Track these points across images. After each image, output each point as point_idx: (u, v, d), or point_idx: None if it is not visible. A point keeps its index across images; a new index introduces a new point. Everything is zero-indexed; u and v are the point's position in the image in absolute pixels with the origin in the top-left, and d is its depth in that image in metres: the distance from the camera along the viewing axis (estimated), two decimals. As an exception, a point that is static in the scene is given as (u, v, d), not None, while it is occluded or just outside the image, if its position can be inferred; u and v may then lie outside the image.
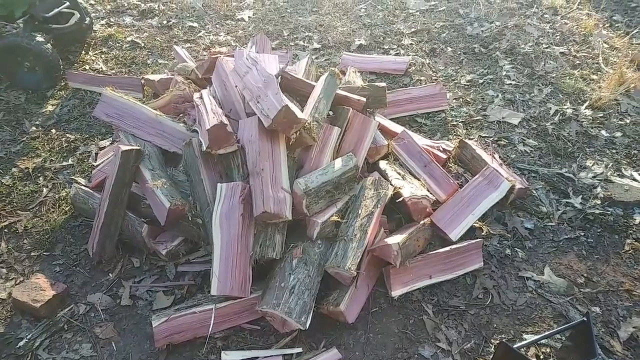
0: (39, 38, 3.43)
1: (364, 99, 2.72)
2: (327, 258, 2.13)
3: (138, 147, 2.39)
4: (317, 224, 2.17)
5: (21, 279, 2.33)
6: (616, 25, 4.33)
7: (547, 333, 1.74)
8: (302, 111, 2.41)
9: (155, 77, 3.23)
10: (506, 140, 3.05)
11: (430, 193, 2.50)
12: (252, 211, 2.10)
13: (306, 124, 2.27)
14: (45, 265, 2.40)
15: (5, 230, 2.55)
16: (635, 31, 4.11)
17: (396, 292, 2.16)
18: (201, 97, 2.49)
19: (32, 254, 2.45)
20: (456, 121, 3.23)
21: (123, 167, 2.32)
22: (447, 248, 2.29)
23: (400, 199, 2.36)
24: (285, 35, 4.29)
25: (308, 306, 1.98)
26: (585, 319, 1.75)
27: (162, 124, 2.57)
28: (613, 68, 3.66)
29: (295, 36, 4.28)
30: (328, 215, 2.21)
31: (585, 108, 3.30)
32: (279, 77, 2.53)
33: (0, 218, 2.61)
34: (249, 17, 4.62)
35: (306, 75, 2.98)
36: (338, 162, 2.35)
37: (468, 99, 3.43)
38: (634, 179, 2.77)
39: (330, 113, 2.65)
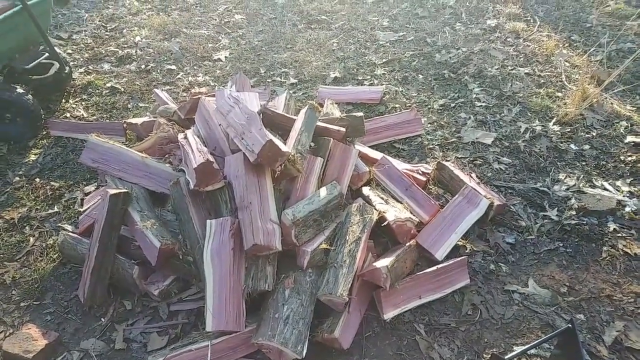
0: (20, 89, 3.48)
1: (344, 129, 2.83)
2: (319, 286, 2.17)
3: (126, 190, 2.43)
4: (307, 253, 2.22)
5: (11, 330, 2.30)
6: (575, 44, 4.60)
7: (534, 342, 1.80)
8: (285, 144, 2.50)
9: (138, 121, 3.29)
10: (481, 160, 3.18)
11: (414, 215, 2.58)
12: (243, 245, 2.14)
13: (290, 156, 2.36)
14: (36, 314, 2.38)
15: (-8, 282, 2.53)
16: (592, 49, 4.37)
17: (388, 315, 2.20)
18: (186, 137, 2.56)
19: (22, 304, 2.43)
20: (432, 144, 3.35)
21: (112, 211, 2.35)
22: (434, 268, 2.36)
23: (385, 222, 2.44)
24: (262, 73, 4.43)
25: (303, 335, 2.01)
26: (570, 325, 1.82)
27: (149, 165, 2.62)
28: (576, 85, 3.87)
29: (272, 73, 4.42)
30: (317, 244, 2.27)
31: (554, 124, 3.48)
32: (261, 114, 2.63)
33: (-13, 271, 2.59)
34: (225, 57, 4.76)
35: (286, 110, 3.09)
36: (323, 191, 2.42)
37: (442, 123, 3.57)
38: (605, 189, 2.91)
39: (312, 144, 2.74)
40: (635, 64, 4.16)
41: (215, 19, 5.63)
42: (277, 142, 2.29)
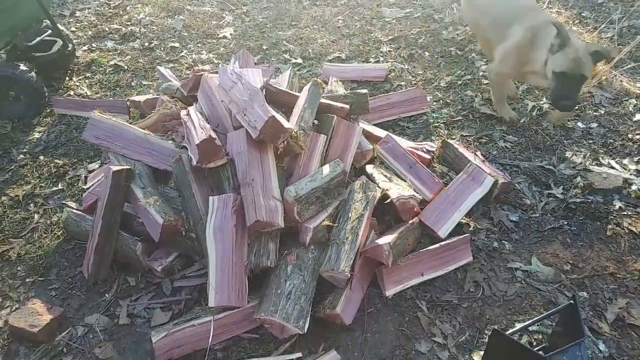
0: (23, 67, 3.46)
1: (347, 106, 2.80)
2: (321, 262, 2.17)
3: (129, 167, 2.43)
4: (309, 230, 2.22)
5: (17, 305, 2.34)
6: (585, 21, 4.49)
7: (535, 318, 1.79)
8: (288, 121, 2.47)
9: (141, 98, 3.28)
10: (487, 138, 3.14)
11: (417, 193, 2.56)
12: (245, 221, 2.14)
13: (293, 133, 2.34)
14: (41, 290, 2.41)
15: (-2, 258, 2.56)
16: (602, 26, 4.25)
17: (390, 292, 2.20)
18: (188, 114, 2.54)
19: (27, 280, 2.46)
20: (438, 122, 3.31)
21: (115, 188, 2.35)
22: (437, 245, 2.35)
23: (388, 200, 2.42)
24: (266, 50, 4.37)
25: (305, 310, 2.02)
26: (572, 302, 1.81)
27: (151, 142, 2.61)
28: (585, 62, 3.78)
29: (276, 50, 4.36)
30: (319, 221, 2.26)
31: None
32: (264, 90, 2.60)
33: (-7, 246, 2.61)
34: (230, 34, 4.70)
35: (289, 87, 3.05)
36: (326, 169, 2.40)
37: (448, 101, 3.52)
38: (612, 167, 2.87)
39: (316, 122, 2.71)
40: (647, 41, 4.05)
41: (219, -4, 5.54)
42: (280, 118, 2.27)
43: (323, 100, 2.73)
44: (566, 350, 1.63)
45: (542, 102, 3.41)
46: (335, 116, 2.68)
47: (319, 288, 2.18)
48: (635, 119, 3.25)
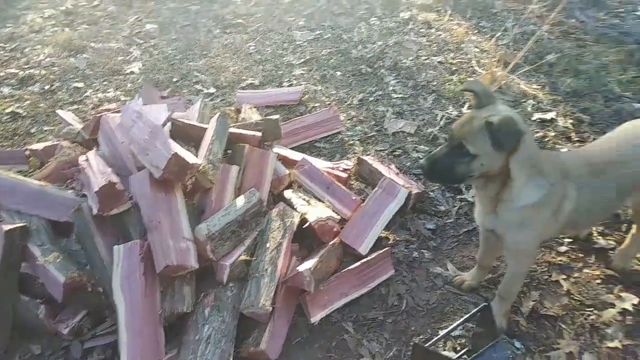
0: None
1: (259, 134, 2.77)
2: (241, 299, 2.10)
3: (23, 224, 2.24)
4: (225, 267, 2.14)
5: None
6: (483, 30, 4.80)
7: (452, 326, 1.83)
8: (197, 155, 2.40)
9: (40, 146, 3.05)
10: (400, 150, 3.22)
11: (336, 213, 2.57)
12: (155, 268, 2.03)
13: (200, 167, 2.27)
14: None
15: None
16: (498, 34, 4.57)
17: (315, 317, 2.17)
18: (87, 159, 2.40)
19: None
20: (353, 140, 3.37)
21: (8, 249, 2.15)
22: (358, 263, 2.35)
23: (307, 224, 2.41)
24: (177, 82, 4.27)
25: (227, 353, 1.93)
26: (486, 303, 1.86)
27: (48, 194, 2.42)
28: (485, 69, 4.03)
29: (187, 82, 4.27)
30: (236, 256, 2.20)
31: (467, 109, 3.59)
32: (168, 125, 2.52)
33: None
34: (138, 69, 4.55)
35: (200, 119, 2.98)
36: (240, 200, 2.35)
37: (361, 118, 3.60)
38: (515, 166, 3.03)
39: (228, 152, 2.66)
40: (537, 45, 4.39)
41: (126, 30, 5.38)
42: (185, 154, 2.20)
43: (233, 130, 2.69)
44: (482, 354, 1.67)
45: (449, 111, 3.57)
46: (247, 145, 2.64)
47: (243, 324, 2.10)
48: (533, 118, 3.48)
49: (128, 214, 2.20)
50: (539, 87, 3.85)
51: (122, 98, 4.05)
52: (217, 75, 4.33)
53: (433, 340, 1.86)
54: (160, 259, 1.99)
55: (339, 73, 4.21)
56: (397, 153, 3.20)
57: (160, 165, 2.13)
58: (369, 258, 2.37)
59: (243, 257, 2.20)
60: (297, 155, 3.01)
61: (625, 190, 1.94)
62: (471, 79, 3.97)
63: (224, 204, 2.37)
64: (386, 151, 3.22)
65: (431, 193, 2.84)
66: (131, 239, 2.15)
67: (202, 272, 2.20)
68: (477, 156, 1.65)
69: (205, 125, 2.67)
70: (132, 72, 4.49)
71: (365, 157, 2.97)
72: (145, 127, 2.36)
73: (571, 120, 3.41)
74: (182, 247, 2.06)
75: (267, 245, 2.24)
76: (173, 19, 5.56)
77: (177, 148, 2.20)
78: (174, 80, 4.30)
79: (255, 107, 3.54)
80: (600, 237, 2.52)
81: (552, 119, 3.45)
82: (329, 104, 3.75)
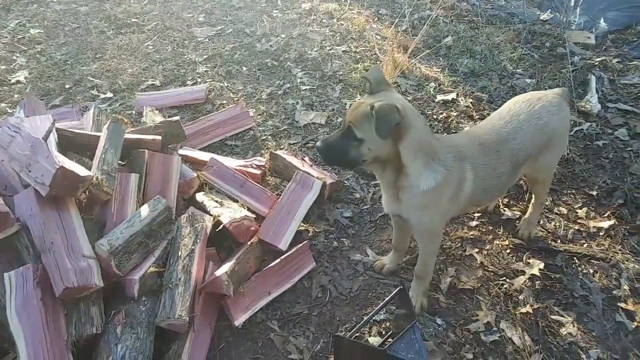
0: None
1: (159, 138, 2.61)
2: (157, 312, 1.97)
3: None
4: (134, 282, 1.99)
5: None
6: (383, 17, 4.93)
7: (371, 314, 1.85)
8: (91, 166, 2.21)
9: None
10: (313, 142, 3.21)
11: (252, 211, 2.49)
12: (54, 291, 1.83)
13: (94, 179, 2.08)
14: None
15: None
16: (397, 20, 4.71)
17: (239, 320, 2.09)
18: (-40, 183, 2.11)
19: None
20: (265, 135, 3.30)
21: None
22: (278, 260, 2.30)
23: (221, 226, 2.31)
24: (70, 89, 3.92)
25: (145, 372, 1.80)
26: (402, 287, 1.90)
27: None
28: (387, 56, 4.14)
29: (81, 87, 3.94)
30: (145, 268, 2.05)
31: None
32: (54, 137, 2.28)
33: None
34: (25, 77, 4.12)
35: (96, 127, 2.74)
36: (144, 209, 2.19)
37: (272, 112, 3.54)
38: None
39: (124, 161, 2.48)
40: (435, 29, 4.60)
41: (6, 37, 4.84)
42: (74, 167, 2.00)
43: (130, 136, 2.51)
44: (402, 337, 1.69)
45: (356, 99, 3.62)
46: (147, 151, 2.48)
47: (163, 336, 1.97)
48: (436, 100, 3.63)
49: (17, 237, 1.96)
50: (439, 69, 4.03)
51: (9, 110, 3.63)
52: (113, 78, 4.03)
53: (354, 330, 1.87)
54: (59, 282, 1.80)
55: (244, 68, 4.11)
56: (310, 145, 3.19)
57: (45, 181, 1.92)
58: (288, 254, 2.33)
59: (153, 269, 2.06)
60: (205, 156, 2.89)
61: (518, 164, 2.07)
62: (374, 65, 4.06)
63: (127, 215, 2.20)
64: (299, 144, 3.20)
65: (346, 181, 2.87)
66: (25, 263, 1.92)
67: (112, 288, 2.04)
68: (364, 141, 1.70)
69: (98, 134, 2.47)
70: (18, 82, 4.06)
71: (278, 152, 2.93)
72: (24, 141, 2.12)
73: (471, 100, 3.61)
74: (82, 267, 1.88)
75: (179, 253, 2.12)
76: (60, 22, 5.10)
77: (64, 161, 2.00)
78: (67, 87, 3.95)
79: (158, 110, 3.34)
80: (506, 209, 2.69)
81: (453, 99, 3.62)
82: (237, 100, 3.64)
